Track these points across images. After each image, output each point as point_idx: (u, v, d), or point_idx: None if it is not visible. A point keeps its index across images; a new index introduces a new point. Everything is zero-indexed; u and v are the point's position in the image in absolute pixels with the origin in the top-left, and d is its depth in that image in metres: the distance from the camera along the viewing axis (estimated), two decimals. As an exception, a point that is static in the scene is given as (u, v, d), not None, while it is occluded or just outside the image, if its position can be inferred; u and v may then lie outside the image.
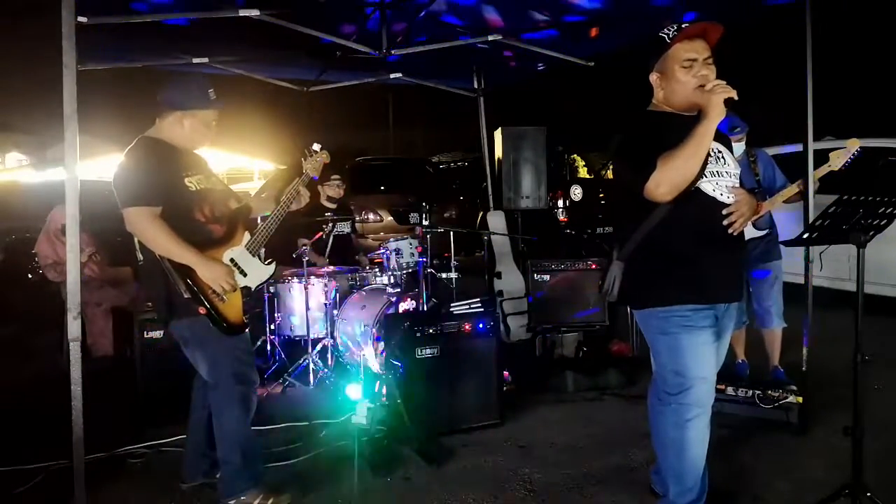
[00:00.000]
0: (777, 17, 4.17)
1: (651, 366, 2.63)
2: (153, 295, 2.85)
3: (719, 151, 2.48)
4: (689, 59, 2.38)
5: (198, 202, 2.79)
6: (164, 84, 2.84)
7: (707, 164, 2.38)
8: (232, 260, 2.86)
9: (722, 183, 2.44)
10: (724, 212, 2.41)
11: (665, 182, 2.26)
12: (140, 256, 2.79)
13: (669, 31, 2.41)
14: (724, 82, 2.28)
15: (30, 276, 6.64)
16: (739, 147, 4.19)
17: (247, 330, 2.91)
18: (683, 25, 2.39)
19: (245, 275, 2.91)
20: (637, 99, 2.66)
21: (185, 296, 2.65)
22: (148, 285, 2.88)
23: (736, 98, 2.27)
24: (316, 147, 3.33)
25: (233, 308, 2.80)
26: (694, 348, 2.43)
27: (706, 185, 2.40)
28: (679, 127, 2.42)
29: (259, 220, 3.11)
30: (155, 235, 2.63)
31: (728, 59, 2.50)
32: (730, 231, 2.42)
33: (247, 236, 2.96)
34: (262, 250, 3.10)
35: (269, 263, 3.08)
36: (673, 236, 2.41)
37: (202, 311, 2.67)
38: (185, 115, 2.80)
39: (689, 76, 2.39)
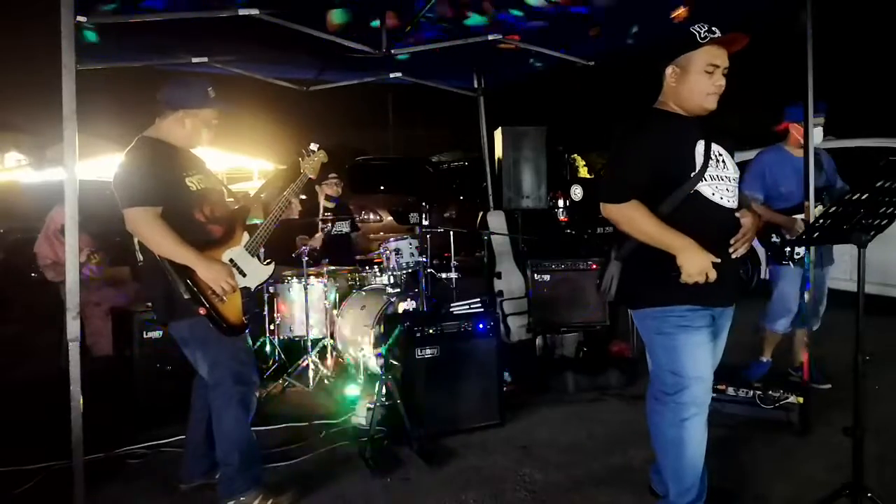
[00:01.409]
0: (777, 16, 4.17)
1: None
2: (153, 295, 2.84)
3: (720, 155, 2.47)
4: (713, 64, 2.39)
5: (198, 202, 2.79)
6: (165, 84, 2.83)
7: (707, 167, 2.39)
8: (231, 260, 2.86)
9: (722, 187, 2.44)
10: (732, 240, 2.44)
11: (621, 219, 2.39)
12: (140, 257, 2.78)
13: (701, 29, 2.39)
14: (706, 277, 2.33)
15: (33, 275, 6.63)
16: (819, 132, 4.02)
17: (247, 330, 2.91)
18: (714, 29, 2.39)
19: (244, 275, 2.91)
20: (637, 99, 2.65)
21: (185, 296, 2.64)
22: (148, 286, 2.87)
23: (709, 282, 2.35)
24: (313, 147, 3.31)
25: (233, 309, 2.79)
26: (690, 348, 2.43)
27: (706, 189, 2.40)
28: (679, 130, 2.43)
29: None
30: (155, 236, 2.63)
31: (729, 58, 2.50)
32: (732, 255, 2.44)
33: (245, 237, 2.96)
34: (262, 250, 3.09)
35: (267, 264, 3.08)
36: None
37: (202, 311, 2.66)
38: (186, 114, 2.80)
39: (708, 82, 2.40)
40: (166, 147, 2.78)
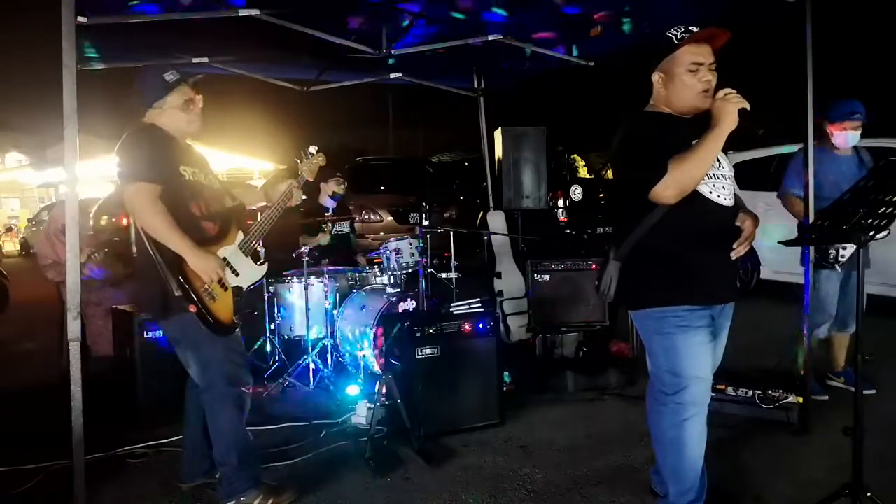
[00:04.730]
0: (777, 16, 4.17)
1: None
2: (145, 290, 2.80)
3: None
4: (695, 62, 2.38)
5: (192, 194, 2.77)
6: (130, 89, 2.80)
7: None
8: (224, 259, 2.82)
9: (719, 185, 2.44)
10: (735, 244, 2.44)
11: (674, 185, 2.28)
12: (134, 249, 2.77)
13: (677, 32, 2.40)
14: (736, 91, 2.29)
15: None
16: (856, 136, 4.01)
17: (237, 330, 2.86)
18: (692, 28, 2.38)
19: (237, 275, 2.88)
20: (637, 99, 2.66)
21: (176, 293, 2.60)
22: (140, 280, 2.83)
23: (749, 108, 2.28)
24: (312, 149, 3.26)
25: (224, 307, 2.76)
26: (689, 348, 2.43)
27: (703, 187, 2.40)
28: (676, 128, 2.43)
29: (258, 214, 3.09)
30: (153, 215, 2.59)
31: (728, 58, 2.49)
32: (733, 257, 2.44)
33: (240, 236, 2.94)
34: (263, 250, 3.07)
35: (261, 264, 3.04)
36: (670, 237, 2.41)
37: (192, 309, 2.62)
38: (153, 109, 2.76)
39: (694, 80, 2.39)
40: (164, 133, 2.76)
